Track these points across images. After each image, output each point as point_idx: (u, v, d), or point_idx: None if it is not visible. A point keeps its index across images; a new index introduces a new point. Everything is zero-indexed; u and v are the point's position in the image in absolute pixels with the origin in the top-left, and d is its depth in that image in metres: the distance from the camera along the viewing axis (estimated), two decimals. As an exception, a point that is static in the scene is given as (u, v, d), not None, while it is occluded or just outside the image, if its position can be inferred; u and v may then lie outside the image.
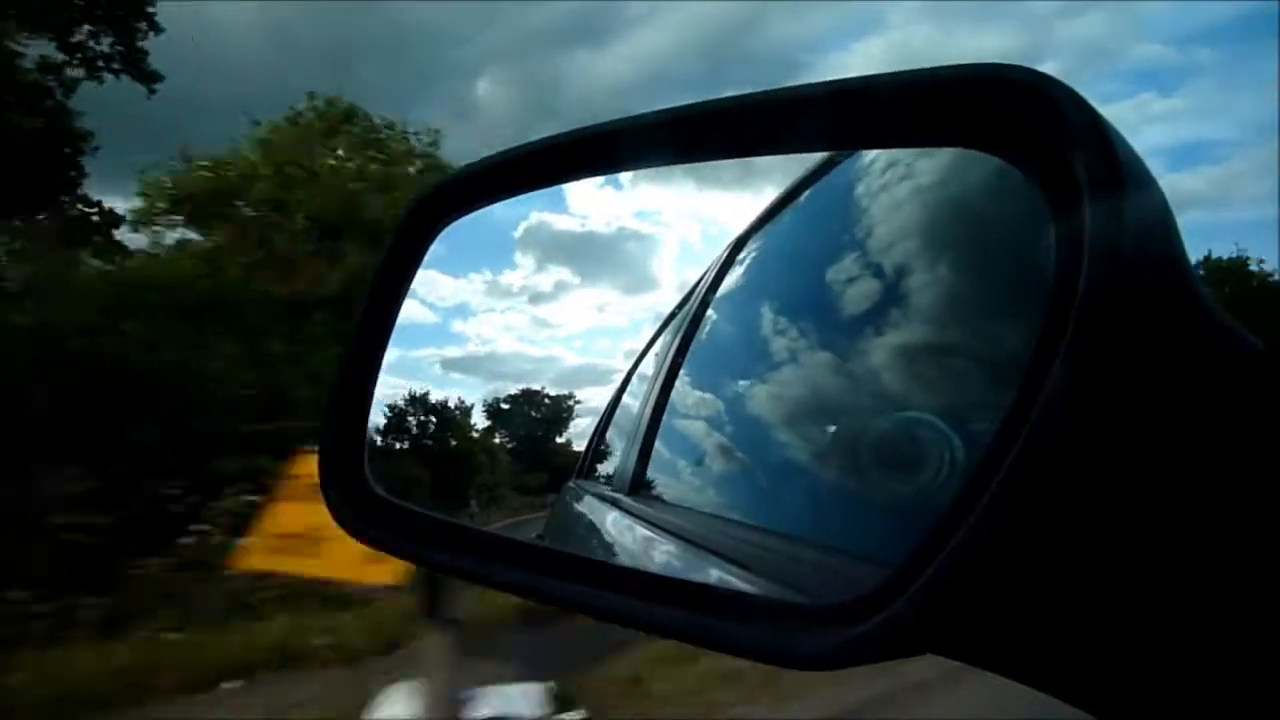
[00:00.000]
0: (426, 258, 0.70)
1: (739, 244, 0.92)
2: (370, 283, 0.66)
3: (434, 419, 0.81)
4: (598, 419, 1.13)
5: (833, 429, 0.61)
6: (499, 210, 0.69)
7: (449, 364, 0.95)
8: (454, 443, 0.87)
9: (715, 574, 0.59)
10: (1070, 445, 0.30)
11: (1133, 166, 0.32)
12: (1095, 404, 0.30)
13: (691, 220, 0.91)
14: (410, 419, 0.79)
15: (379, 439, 0.75)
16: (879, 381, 0.55)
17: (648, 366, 1.04)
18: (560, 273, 0.93)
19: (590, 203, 0.80)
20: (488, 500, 0.90)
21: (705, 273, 0.98)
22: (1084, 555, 0.33)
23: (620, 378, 1.07)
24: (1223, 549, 0.33)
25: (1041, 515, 0.31)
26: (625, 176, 0.72)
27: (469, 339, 0.95)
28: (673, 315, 1.03)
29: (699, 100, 0.47)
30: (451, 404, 0.85)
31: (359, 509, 0.63)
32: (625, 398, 1.09)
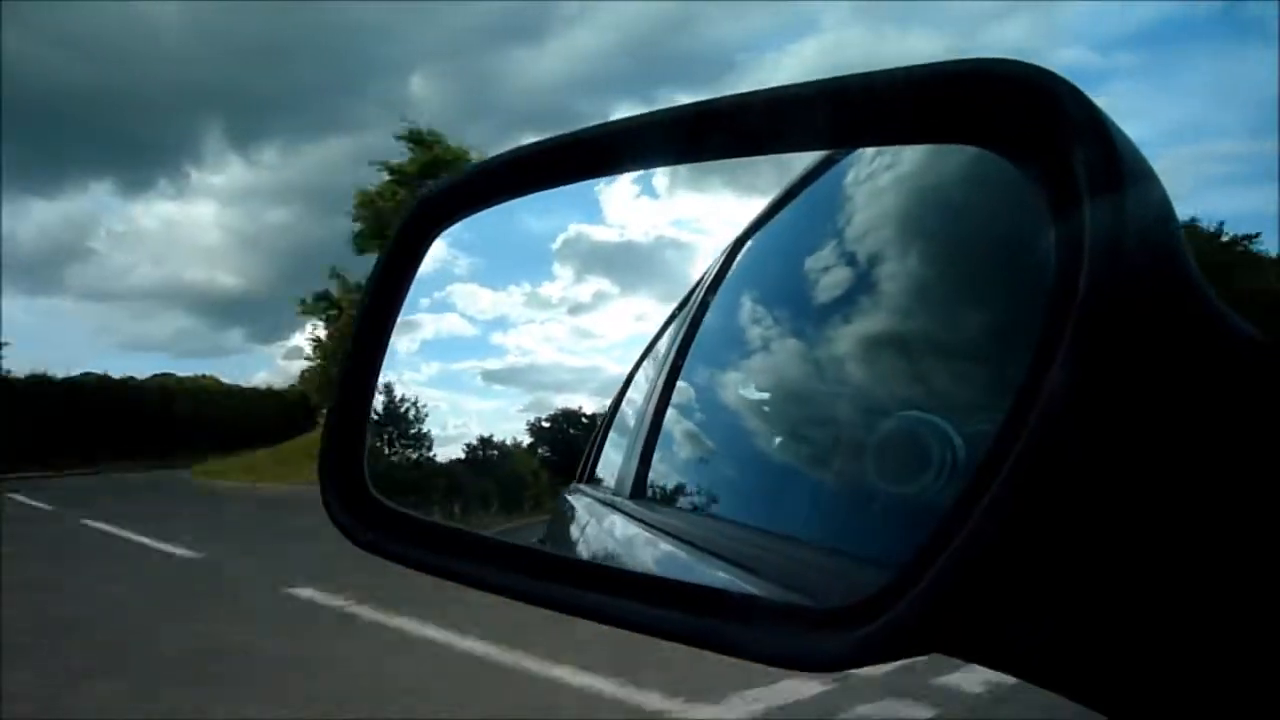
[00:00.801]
0: (461, 270, 0.70)
1: (737, 245, 0.91)
2: (368, 286, 0.65)
3: (496, 451, 0.99)
4: (598, 422, 1.13)
5: (834, 430, 0.61)
6: (535, 222, 0.69)
7: (489, 376, 0.97)
8: (511, 468, 1.04)
9: (719, 577, 0.58)
10: (1071, 445, 0.30)
11: (1134, 161, 0.32)
12: (1097, 403, 0.30)
13: (730, 227, 0.91)
14: (479, 452, 0.99)
15: (463, 464, 0.97)
16: (880, 383, 0.54)
17: (648, 369, 1.04)
18: (599, 283, 0.93)
19: (627, 212, 0.81)
20: (533, 506, 1.10)
21: (704, 274, 0.97)
22: (1086, 554, 0.33)
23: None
24: (1226, 546, 0.33)
25: (1043, 515, 0.30)
26: (662, 185, 0.73)
27: (509, 351, 0.96)
28: (673, 317, 1.03)
29: (696, 100, 0.47)
30: (509, 442, 1.00)
31: (356, 512, 0.63)
32: (626, 399, 1.09)
